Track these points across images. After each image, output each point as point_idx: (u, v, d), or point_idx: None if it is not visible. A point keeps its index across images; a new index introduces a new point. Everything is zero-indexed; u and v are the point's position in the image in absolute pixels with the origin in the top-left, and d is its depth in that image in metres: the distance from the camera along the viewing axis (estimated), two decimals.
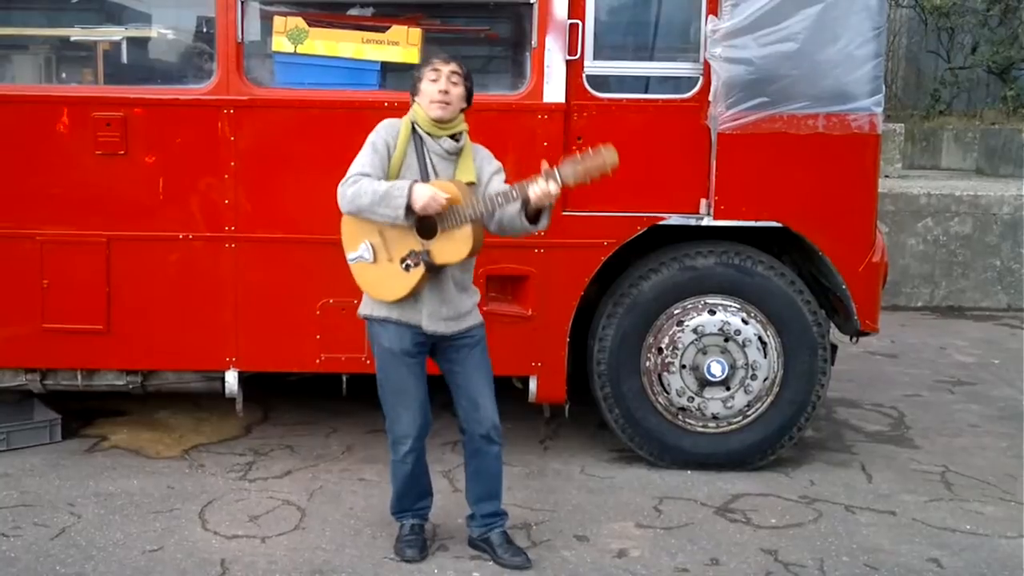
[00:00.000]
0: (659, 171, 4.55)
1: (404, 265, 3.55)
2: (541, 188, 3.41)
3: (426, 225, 3.53)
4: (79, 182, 4.54)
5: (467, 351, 3.72)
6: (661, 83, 4.64)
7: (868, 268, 4.66)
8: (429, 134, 3.62)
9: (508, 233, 3.66)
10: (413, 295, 3.60)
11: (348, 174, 3.56)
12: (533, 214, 3.55)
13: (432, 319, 3.64)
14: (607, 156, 3.42)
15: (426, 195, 3.44)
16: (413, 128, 3.64)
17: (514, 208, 3.53)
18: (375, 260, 3.60)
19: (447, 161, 3.64)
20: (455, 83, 3.60)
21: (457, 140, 3.65)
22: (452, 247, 3.52)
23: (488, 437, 3.77)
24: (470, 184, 3.62)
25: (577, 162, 3.43)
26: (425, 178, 3.59)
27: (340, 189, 3.55)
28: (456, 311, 3.67)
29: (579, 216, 4.55)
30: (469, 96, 3.67)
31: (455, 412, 3.86)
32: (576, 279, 4.61)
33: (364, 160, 3.58)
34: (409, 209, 3.45)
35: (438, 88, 3.57)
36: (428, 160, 3.62)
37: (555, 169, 3.42)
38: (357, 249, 3.63)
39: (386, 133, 3.63)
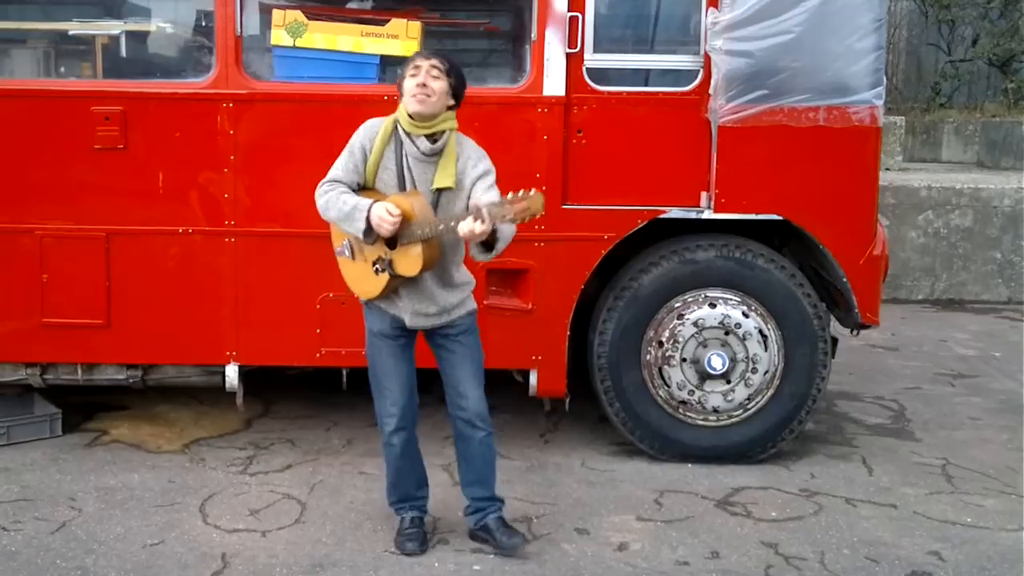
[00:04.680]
0: (659, 164, 4.55)
1: (375, 268, 3.59)
2: (468, 227, 3.29)
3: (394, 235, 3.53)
4: (78, 176, 4.54)
5: (453, 339, 3.73)
6: (661, 76, 4.62)
7: (869, 261, 4.65)
8: (408, 133, 3.56)
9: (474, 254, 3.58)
10: (392, 292, 3.62)
11: (324, 178, 3.59)
12: (489, 244, 3.45)
13: (413, 316, 3.65)
14: (533, 203, 3.27)
15: (376, 219, 3.43)
16: (396, 128, 3.60)
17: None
18: (354, 258, 3.65)
19: (425, 164, 3.57)
20: (436, 77, 3.51)
21: (434, 141, 3.56)
22: (407, 262, 3.52)
23: (470, 422, 3.77)
24: (447, 189, 3.55)
25: (504, 203, 3.31)
26: (400, 182, 3.57)
27: (316, 193, 3.59)
28: (439, 307, 3.66)
29: (579, 210, 4.55)
30: (456, 93, 3.58)
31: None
32: (576, 272, 4.60)
33: (339, 164, 3.60)
34: (370, 229, 3.46)
35: (417, 82, 3.50)
36: (405, 163, 3.57)
37: (484, 209, 3.28)
38: (341, 244, 3.70)
39: (364, 135, 3.61)
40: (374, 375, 3.79)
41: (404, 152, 3.57)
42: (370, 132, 3.61)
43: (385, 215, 3.42)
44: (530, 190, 3.29)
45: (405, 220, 3.45)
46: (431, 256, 3.52)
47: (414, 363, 3.81)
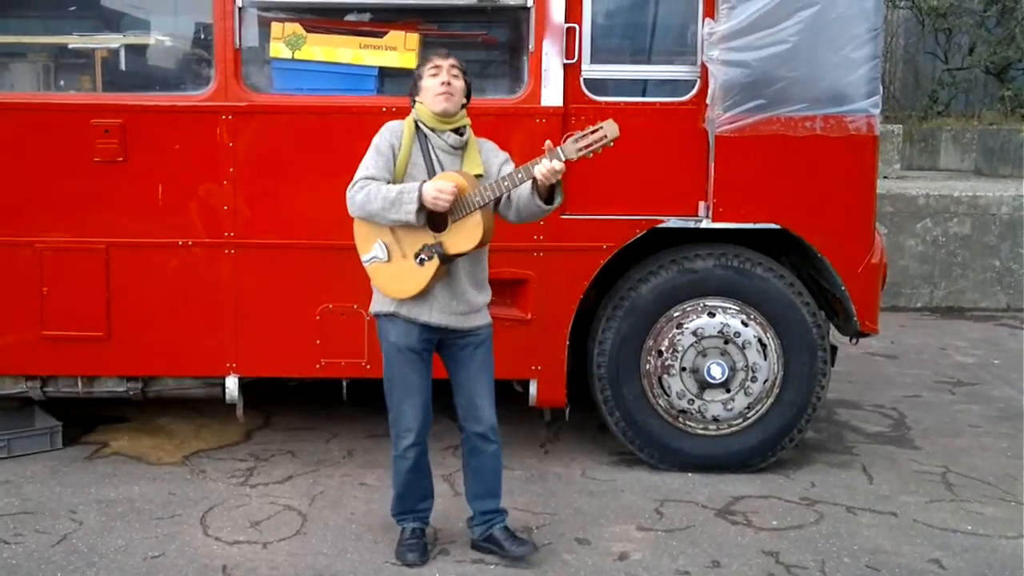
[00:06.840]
0: (657, 174, 4.56)
1: (418, 260, 3.60)
2: (546, 166, 3.47)
3: (437, 219, 3.58)
4: (78, 189, 4.55)
5: (471, 350, 3.75)
6: (659, 86, 4.64)
7: (867, 269, 4.66)
8: (433, 129, 3.67)
9: (526, 218, 3.70)
10: (427, 290, 3.64)
11: (355, 179, 3.61)
12: (546, 193, 3.58)
13: (443, 313, 3.67)
14: (608, 129, 3.49)
15: (433, 192, 3.49)
16: (417, 127, 3.69)
17: (526, 190, 3.59)
18: (389, 259, 3.65)
19: (453, 156, 3.69)
20: (455, 76, 3.66)
21: (461, 134, 3.69)
22: (463, 236, 3.57)
23: (484, 436, 3.79)
24: (478, 176, 3.67)
25: (579, 138, 3.51)
26: (432, 175, 3.64)
27: (348, 194, 3.61)
28: (469, 306, 3.71)
29: (578, 219, 4.56)
30: (469, 91, 3.73)
31: (455, 416, 3.87)
32: (575, 282, 4.61)
33: (369, 163, 3.64)
34: (420, 210, 3.51)
35: (440, 81, 3.63)
36: (434, 156, 3.67)
37: (558, 147, 3.49)
38: (371, 250, 3.68)
39: (390, 135, 3.68)
40: (395, 390, 3.76)
41: (431, 146, 3.68)
42: (395, 131, 3.69)
43: (443, 187, 3.49)
44: (600, 122, 3.52)
45: (458, 194, 3.54)
46: (489, 225, 3.61)
47: (431, 378, 3.81)
